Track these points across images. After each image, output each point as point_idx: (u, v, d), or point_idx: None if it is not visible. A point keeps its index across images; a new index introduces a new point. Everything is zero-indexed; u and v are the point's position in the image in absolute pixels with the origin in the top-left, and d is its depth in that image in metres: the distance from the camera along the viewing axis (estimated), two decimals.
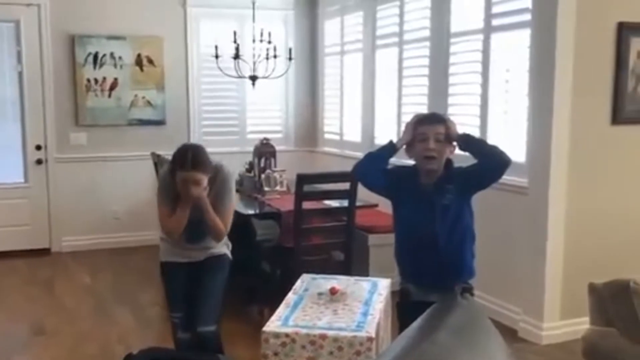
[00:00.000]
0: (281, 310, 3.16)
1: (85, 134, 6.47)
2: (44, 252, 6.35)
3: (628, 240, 4.17)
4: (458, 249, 2.81)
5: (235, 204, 3.38)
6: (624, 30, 3.99)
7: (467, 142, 2.83)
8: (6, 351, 4.07)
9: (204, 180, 3.11)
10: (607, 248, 4.11)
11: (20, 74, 6.22)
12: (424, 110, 5.26)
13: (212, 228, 3.19)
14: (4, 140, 6.32)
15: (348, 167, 5.06)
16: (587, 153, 4.04)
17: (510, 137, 4.48)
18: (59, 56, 6.30)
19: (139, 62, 6.55)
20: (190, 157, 3.06)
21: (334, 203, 4.79)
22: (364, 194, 4.91)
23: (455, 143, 2.83)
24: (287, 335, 2.87)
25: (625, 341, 2.58)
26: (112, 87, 6.49)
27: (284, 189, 5.23)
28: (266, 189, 5.20)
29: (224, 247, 3.36)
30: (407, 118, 5.49)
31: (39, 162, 6.32)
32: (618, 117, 4.05)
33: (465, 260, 2.84)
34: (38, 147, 6.32)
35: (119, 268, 5.92)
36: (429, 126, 2.78)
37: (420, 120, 2.86)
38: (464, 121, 4.88)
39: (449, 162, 2.84)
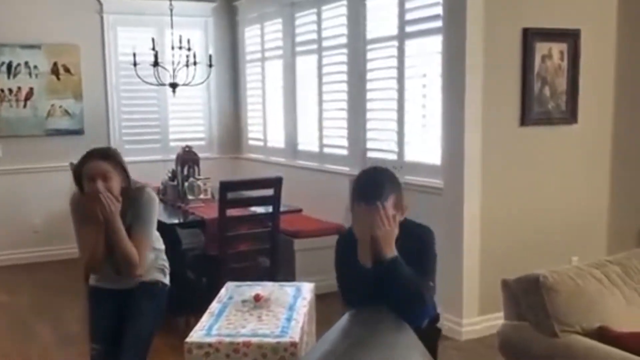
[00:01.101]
0: (205, 320, 3.15)
1: (0, 145, 6.25)
2: None
3: (538, 235, 4.37)
4: None
5: (154, 232, 2.95)
6: (529, 36, 4.18)
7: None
8: None
9: (112, 176, 2.72)
10: (520, 244, 4.29)
11: None
12: (344, 115, 5.36)
13: (123, 257, 2.76)
14: None
15: (272, 173, 5.13)
16: (498, 154, 4.22)
17: (427, 140, 4.62)
18: None
19: (55, 70, 6.38)
20: (96, 150, 2.76)
21: (258, 209, 4.81)
22: (288, 199, 4.97)
23: None
24: (210, 345, 2.87)
25: (538, 334, 2.69)
26: (28, 96, 6.31)
27: (208, 196, 5.21)
28: (190, 197, 5.16)
29: (157, 273, 3.03)
30: (329, 124, 5.64)
31: None
32: (526, 118, 4.24)
33: None
34: None
35: (39, 283, 5.73)
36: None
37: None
38: (383, 126, 5.02)
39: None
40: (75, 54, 6.43)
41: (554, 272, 2.71)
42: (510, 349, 2.82)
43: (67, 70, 6.42)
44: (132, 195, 2.83)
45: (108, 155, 2.76)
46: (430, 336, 2.57)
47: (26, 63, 6.26)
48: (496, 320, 2.98)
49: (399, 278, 2.32)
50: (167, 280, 3.11)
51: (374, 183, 2.40)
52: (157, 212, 2.96)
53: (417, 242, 2.49)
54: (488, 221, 4.22)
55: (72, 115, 6.48)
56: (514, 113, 4.25)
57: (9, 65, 6.20)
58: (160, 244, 3.11)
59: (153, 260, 3.01)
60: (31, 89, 6.30)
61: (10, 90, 6.23)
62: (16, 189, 6.29)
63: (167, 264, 3.15)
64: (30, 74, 6.28)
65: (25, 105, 6.30)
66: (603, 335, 2.55)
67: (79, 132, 6.49)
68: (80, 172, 2.74)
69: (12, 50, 6.19)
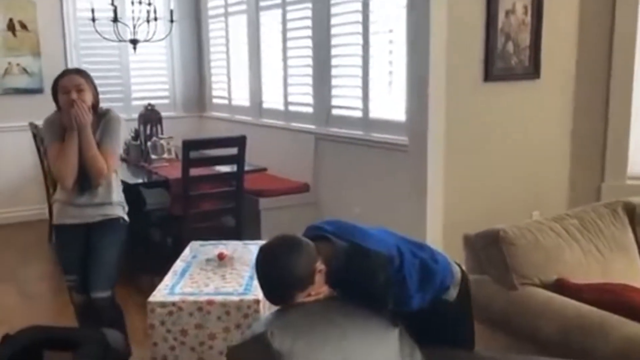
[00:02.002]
0: (168, 279, 3.15)
1: None
2: None
3: (501, 191, 4.42)
4: None
5: (121, 151, 3.24)
6: None
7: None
8: None
9: (86, 88, 2.97)
10: (483, 200, 4.34)
11: None
12: (309, 72, 5.30)
13: (92, 163, 2.98)
14: None
15: (237, 132, 5.08)
16: (462, 110, 4.21)
17: (392, 97, 4.60)
18: None
19: (11, 27, 6.18)
20: (71, 68, 3.16)
21: (223, 168, 4.77)
22: (253, 158, 4.94)
23: None
24: (173, 304, 2.87)
25: (498, 287, 2.74)
26: None
27: (172, 156, 5.15)
28: (153, 157, 5.09)
29: (118, 209, 3.18)
30: (293, 80, 5.58)
31: None
32: (489, 74, 4.23)
33: None
34: None
35: (1, 245, 5.64)
36: None
37: None
38: (348, 83, 4.98)
39: None
40: (32, 9, 6.23)
41: (513, 227, 2.75)
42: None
43: (23, 26, 6.22)
44: (101, 114, 3.09)
45: (81, 71, 3.08)
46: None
47: None
48: None
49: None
50: (126, 217, 3.25)
51: (270, 291, 2.08)
52: (124, 131, 3.22)
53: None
54: (451, 177, 4.24)
55: (30, 73, 6.30)
56: (478, 69, 4.23)
57: None
58: (118, 180, 3.25)
59: (115, 196, 3.17)
60: None
61: None
62: None
63: (126, 206, 3.27)
64: None
65: None
66: (561, 287, 2.60)
67: (38, 90, 6.31)
68: (56, 87, 3.01)
69: None
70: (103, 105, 3.18)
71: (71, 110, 2.93)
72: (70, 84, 2.96)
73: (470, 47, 4.19)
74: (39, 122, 5.30)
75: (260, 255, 2.08)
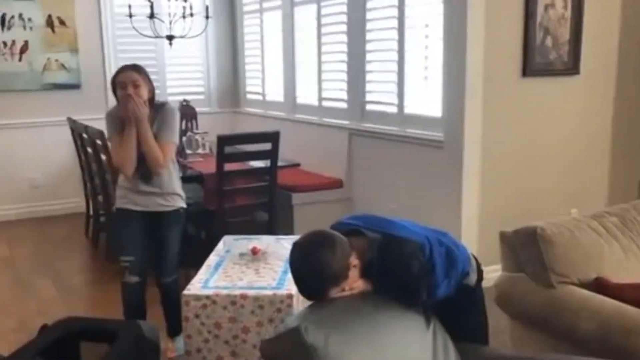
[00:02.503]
0: (202, 273, 3.17)
1: None
2: None
3: (538, 188, 4.35)
4: None
5: (177, 141, 3.34)
6: None
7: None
8: None
9: (141, 84, 3.11)
10: (520, 196, 4.28)
11: None
12: (343, 68, 5.28)
13: (150, 154, 3.14)
14: None
15: (271, 127, 5.09)
16: (499, 105, 4.16)
17: (428, 92, 4.55)
18: None
19: (50, 23, 6.27)
20: (128, 64, 3.19)
21: (257, 164, 4.78)
22: (286, 153, 4.94)
23: None
24: (207, 297, 2.89)
25: (535, 285, 2.69)
26: (23, 50, 6.21)
27: (207, 151, 5.18)
28: (188, 151, 5.13)
29: (178, 200, 3.35)
30: (327, 76, 5.56)
31: None
32: (528, 69, 4.17)
33: None
34: None
35: (39, 238, 5.75)
36: None
37: None
38: (383, 78, 4.95)
39: None
40: (70, 5, 6.31)
41: (551, 224, 2.70)
42: (507, 301, 2.83)
43: (62, 22, 6.31)
44: (157, 107, 3.24)
45: (138, 67, 3.18)
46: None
47: (20, 15, 6.14)
48: (494, 272, 2.98)
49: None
50: (184, 204, 3.42)
51: (304, 286, 2.09)
52: (179, 122, 3.41)
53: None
54: (488, 173, 4.19)
55: (68, 69, 6.39)
56: (516, 64, 4.18)
57: (3, 18, 6.08)
58: (177, 170, 3.42)
59: (175, 186, 3.34)
60: (26, 42, 6.19)
61: (5, 44, 6.13)
62: (14, 144, 6.25)
63: (181, 188, 3.43)
64: (24, 27, 6.17)
65: (20, 59, 6.20)
66: (600, 286, 2.54)
67: (76, 86, 6.41)
68: (115, 82, 3.16)
69: (6, 2, 6.06)
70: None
71: (128, 105, 3.09)
72: (127, 80, 3.11)
73: (508, 42, 4.13)
74: (77, 117, 5.44)
75: (295, 251, 2.08)
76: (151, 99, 3.20)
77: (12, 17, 6.12)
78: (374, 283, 2.14)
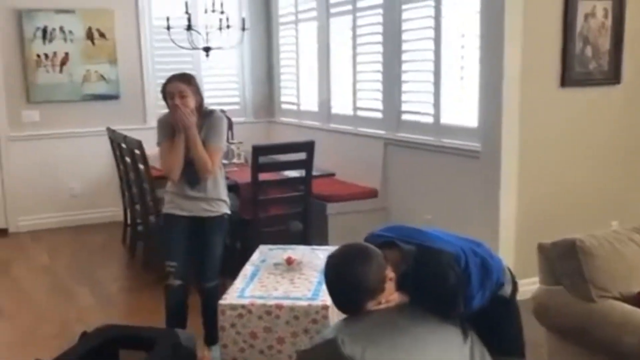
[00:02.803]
0: (238, 282, 3.19)
1: (37, 111, 6.31)
2: (1, 232, 6.24)
3: (576, 200, 4.27)
4: None
5: (224, 147, 3.48)
6: None
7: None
8: None
9: (188, 94, 3.20)
10: (558, 208, 4.21)
11: None
12: (378, 77, 5.28)
13: (198, 160, 3.25)
14: None
15: (306, 137, 5.11)
16: (538, 116, 4.11)
17: (464, 102, 4.53)
18: (6, 32, 6.11)
19: (90, 35, 6.39)
20: (176, 74, 3.30)
21: (291, 173, 4.80)
22: (321, 163, 4.95)
23: None
24: (243, 306, 2.90)
25: (574, 299, 2.65)
26: (64, 62, 6.34)
27: (242, 161, 5.22)
28: (224, 161, 5.15)
29: (224, 206, 3.43)
30: (363, 86, 5.57)
31: None
32: (567, 79, 4.11)
33: None
34: None
35: (78, 246, 5.85)
36: None
37: None
38: (418, 88, 4.93)
39: None
40: (110, 18, 6.43)
41: (591, 236, 2.65)
42: (545, 313, 2.79)
43: (101, 35, 6.43)
44: (206, 114, 3.34)
45: (184, 78, 3.29)
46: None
47: (61, 28, 6.27)
48: (532, 284, 2.94)
49: None
50: (229, 210, 3.50)
51: (340, 300, 2.10)
52: (226, 129, 3.55)
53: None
54: (525, 184, 4.13)
55: (107, 80, 6.50)
56: (554, 74, 4.12)
57: (44, 31, 6.22)
58: (223, 177, 3.50)
59: (222, 192, 3.43)
60: (66, 54, 6.32)
61: (46, 56, 6.27)
62: (54, 154, 6.37)
63: (227, 195, 3.51)
64: (65, 39, 6.30)
65: (61, 71, 6.33)
66: None
67: (114, 97, 6.52)
68: (164, 91, 3.30)
69: (47, 15, 6.21)
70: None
71: (175, 114, 3.23)
72: (174, 90, 3.24)
73: (547, 51, 4.08)
74: (116, 127, 5.54)
75: (330, 265, 2.08)
76: (199, 106, 3.30)
77: (54, 29, 6.26)
78: (410, 295, 2.13)
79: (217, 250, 3.42)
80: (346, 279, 2.01)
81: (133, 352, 2.59)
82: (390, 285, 2.08)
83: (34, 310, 4.34)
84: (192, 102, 3.24)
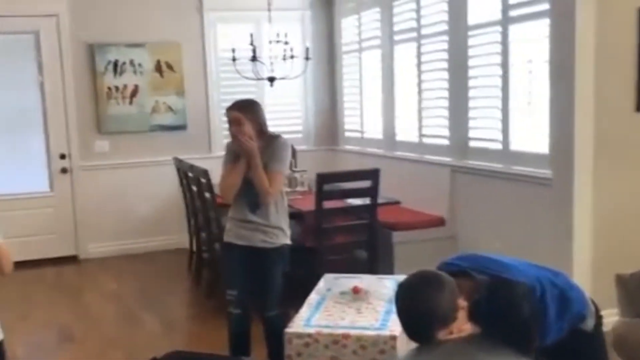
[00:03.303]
0: (304, 311, 3.16)
1: (107, 142, 6.51)
2: (71, 259, 6.42)
3: None
4: None
5: (286, 172, 3.52)
6: None
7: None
8: (35, 358, 4.11)
9: (245, 122, 3.29)
10: (636, 238, 4.01)
11: (41, 85, 6.28)
12: (444, 104, 5.22)
13: (258, 184, 3.29)
14: (29, 150, 6.39)
15: (370, 164, 5.07)
16: (613, 141, 3.96)
17: (533, 128, 4.42)
18: (79, 65, 6.36)
19: (158, 68, 6.57)
20: (236, 102, 3.42)
21: (355, 201, 4.76)
22: (386, 191, 4.89)
23: None
24: (309, 335, 2.87)
25: None
26: (133, 94, 6.53)
27: (305, 188, 5.22)
28: (287, 189, 5.17)
29: (283, 237, 3.44)
30: (428, 113, 5.51)
31: (63, 170, 6.39)
32: None
33: None
34: (62, 156, 6.38)
35: (145, 273, 5.95)
36: None
37: None
38: (486, 114, 4.84)
39: None
40: (177, 51, 6.61)
41: None
42: (625, 347, 2.66)
43: (169, 67, 6.60)
44: (268, 139, 3.42)
45: (241, 106, 3.40)
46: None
47: (131, 61, 6.48)
48: (609, 316, 2.79)
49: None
50: (288, 240, 3.50)
51: (410, 327, 2.03)
52: (289, 156, 3.58)
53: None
54: (601, 212, 3.97)
55: (175, 111, 6.66)
56: (629, 98, 3.97)
57: (115, 64, 6.44)
58: (285, 204, 3.51)
59: (282, 221, 3.44)
60: (136, 87, 6.52)
61: (117, 88, 6.47)
62: (123, 183, 6.54)
63: (287, 223, 3.52)
64: (135, 72, 6.50)
65: (131, 102, 6.52)
66: None
67: (181, 127, 6.66)
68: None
69: (118, 49, 6.43)
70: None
71: (236, 141, 3.32)
72: (231, 119, 3.36)
73: (620, 75, 3.95)
74: (183, 157, 5.64)
75: (401, 291, 2.03)
76: (260, 130, 3.38)
77: (124, 63, 6.46)
78: (482, 327, 2.05)
79: (276, 280, 3.43)
80: (418, 306, 1.96)
81: None
82: (462, 315, 2.01)
83: (102, 336, 4.41)
84: (249, 129, 3.31)
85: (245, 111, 3.36)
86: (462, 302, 2.00)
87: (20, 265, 5.99)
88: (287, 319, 3.20)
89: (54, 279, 5.89)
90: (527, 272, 2.14)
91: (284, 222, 3.46)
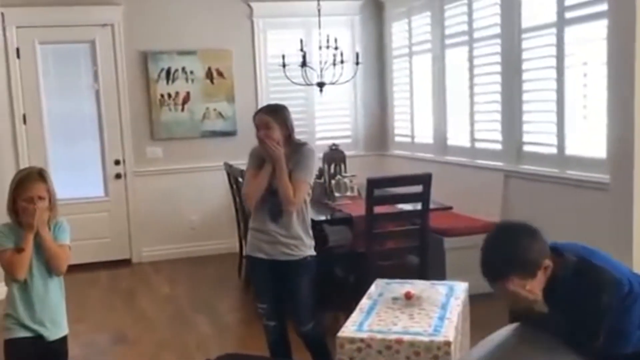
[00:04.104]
0: (355, 316, 3.12)
1: (160, 148, 6.63)
2: (125, 262, 6.54)
3: None
4: None
5: (311, 181, 3.36)
6: None
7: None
8: (90, 359, 4.19)
9: (273, 126, 3.21)
10: None
11: (97, 92, 6.44)
12: (497, 108, 5.14)
13: (282, 191, 3.21)
14: (85, 156, 6.55)
15: (420, 169, 5.02)
16: None
17: (590, 131, 4.30)
18: (133, 73, 6.50)
19: (209, 75, 6.67)
20: (264, 106, 3.36)
21: (406, 206, 4.72)
22: (437, 196, 4.83)
23: None
24: (362, 340, 2.83)
25: None
26: (185, 100, 6.63)
27: (355, 194, 5.19)
28: (337, 194, 5.17)
29: (306, 248, 3.35)
30: (480, 117, 5.44)
31: (117, 176, 6.53)
32: None
33: None
34: (117, 162, 6.52)
35: (197, 276, 6.02)
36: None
37: None
38: (540, 118, 4.74)
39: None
40: (228, 58, 6.69)
41: None
42: None
43: (220, 74, 6.69)
44: (295, 146, 3.31)
45: (271, 110, 3.33)
46: None
47: (183, 69, 6.59)
48: None
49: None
50: (312, 251, 3.40)
51: (489, 260, 2.09)
52: (315, 165, 3.46)
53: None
54: None
55: (225, 117, 6.73)
56: None
57: (168, 71, 6.56)
58: (308, 214, 3.42)
59: (300, 232, 3.32)
60: (188, 93, 6.62)
61: (170, 95, 6.59)
62: (175, 188, 6.64)
63: (311, 235, 3.42)
64: (187, 79, 6.61)
65: (182, 109, 6.63)
66: None
67: (232, 133, 6.73)
68: (254, 123, 3.34)
69: (171, 57, 6.55)
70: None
71: (263, 146, 3.24)
72: (260, 123, 3.27)
73: None
74: (233, 162, 5.70)
75: (496, 229, 2.12)
76: (288, 137, 3.30)
77: (176, 70, 6.58)
78: (553, 307, 2.01)
79: (304, 293, 3.35)
80: (506, 244, 2.00)
81: None
82: (541, 277, 2.01)
83: (155, 337, 4.48)
84: (277, 134, 3.23)
85: (274, 115, 3.27)
86: (547, 262, 2.01)
87: (75, 268, 6.14)
88: (334, 324, 3.16)
89: (109, 282, 6.01)
90: (621, 269, 2.10)
91: (305, 233, 3.36)
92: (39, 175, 2.77)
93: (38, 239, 2.73)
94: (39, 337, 2.75)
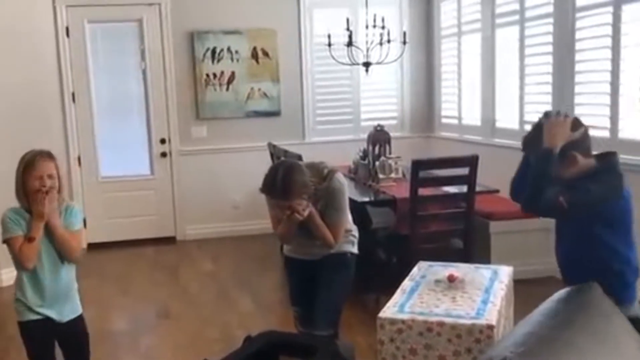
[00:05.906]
0: (397, 297, 3.09)
1: (205, 127, 6.67)
2: (170, 240, 6.63)
3: None
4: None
5: (347, 215, 3.17)
6: None
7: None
8: (134, 332, 4.28)
9: (299, 203, 2.92)
10: None
11: (144, 71, 6.50)
12: (548, 90, 4.99)
13: (322, 241, 3.08)
14: (132, 135, 6.64)
15: (467, 151, 4.92)
16: None
17: None
18: (180, 52, 6.53)
19: (254, 55, 6.66)
20: (279, 184, 2.90)
21: (451, 189, 4.64)
22: (483, 179, 4.73)
23: None
24: (403, 321, 2.80)
25: None
26: (230, 80, 6.64)
27: (399, 175, 5.14)
28: (381, 176, 5.11)
29: (347, 245, 3.21)
30: (530, 99, 5.28)
31: (163, 155, 6.60)
32: None
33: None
34: (162, 141, 6.59)
35: (240, 255, 6.06)
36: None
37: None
38: (593, 100, 4.59)
39: None
40: (273, 38, 6.66)
41: None
42: None
43: (265, 54, 6.67)
44: (323, 185, 3.03)
45: (285, 192, 2.91)
46: None
47: (228, 48, 6.59)
48: None
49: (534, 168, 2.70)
50: (355, 249, 3.25)
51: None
52: (347, 197, 3.17)
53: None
54: None
55: (269, 97, 6.73)
56: None
57: (213, 51, 6.57)
58: (349, 219, 3.23)
59: (343, 234, 3.16)
60: (233, 73, 6.63)
61: (215, 75, 6.61)
62: (219, 168, 6.68)
63: (356, 233, 3.28)
64: (232, 59, 6.61)
65: (227, 89, 6.64)
66: None
67: (276, 113, 6.73)
68: (264, 191, 3.08)
69: (216, 37, 6.55)
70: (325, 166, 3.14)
71: (290, 212, 2.95)
72: (280, 206, 3.00)
73: None
74: (277, 142, 5.69)
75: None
76: (316, 185, 3.00)
77: (222, 50, 6.59)
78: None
79: (334, 290, 3.10)
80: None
81: (292, 359, 2.58)
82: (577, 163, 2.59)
83: (198, 314, 4.53)
84: (303, 203, 2.93)
85: (291, 197, 2.90)
86: (579, 157, 2.57)
87: (122, 244, 6.35)
88: (376, 306, 3.05)
89: (153, 258, 6.11)
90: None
91: (350, 237, 3.22)
92: (47, 155, 2.72)
93: (48, 227, 2.68)
94: (48, 320, 2.75)
